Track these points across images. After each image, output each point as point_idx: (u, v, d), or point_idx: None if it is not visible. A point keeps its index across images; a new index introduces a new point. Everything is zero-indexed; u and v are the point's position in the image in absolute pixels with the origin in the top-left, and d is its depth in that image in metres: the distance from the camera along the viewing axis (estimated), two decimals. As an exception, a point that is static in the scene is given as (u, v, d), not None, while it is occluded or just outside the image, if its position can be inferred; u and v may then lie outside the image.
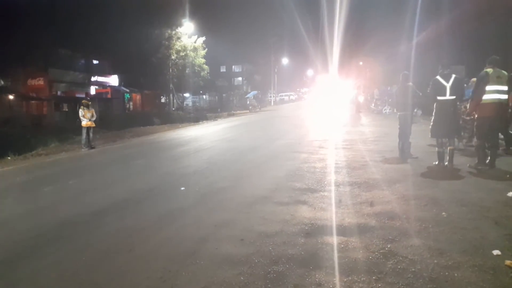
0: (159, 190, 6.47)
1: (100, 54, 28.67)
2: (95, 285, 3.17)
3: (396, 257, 3.32)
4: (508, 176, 6.25)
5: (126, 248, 3.89)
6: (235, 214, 4.71)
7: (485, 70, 6.61)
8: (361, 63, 61.33)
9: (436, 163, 7.03)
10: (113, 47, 24.44)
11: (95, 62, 31.73)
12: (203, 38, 27.73)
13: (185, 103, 40.59)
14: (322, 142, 11.23)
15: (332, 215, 4.51)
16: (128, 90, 35.36)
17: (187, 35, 27.20)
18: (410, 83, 8.03)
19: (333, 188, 5.80)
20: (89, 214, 5.16)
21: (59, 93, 29.68)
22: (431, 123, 7.16)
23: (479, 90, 6.57)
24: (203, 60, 28.43)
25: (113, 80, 33.34)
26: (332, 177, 6.50)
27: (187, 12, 26.04)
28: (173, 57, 26.52)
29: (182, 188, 6.40)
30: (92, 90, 32.47)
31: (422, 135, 8.17)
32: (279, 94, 59.13)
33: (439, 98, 6.90)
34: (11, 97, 25.60)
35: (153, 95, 36.65)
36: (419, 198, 5.04)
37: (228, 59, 53.47)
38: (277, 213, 4.66)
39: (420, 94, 7.97)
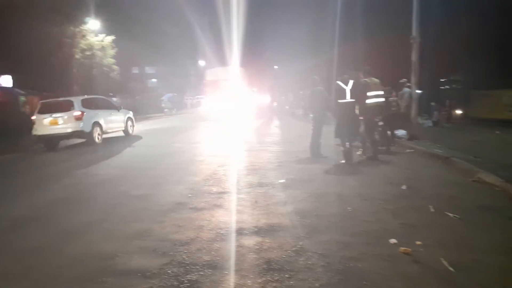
0: (62, 203, 5.84)
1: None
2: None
3: (307, 254, 3.48)
4: (402, 171, 7.04)
5: (22, 273, 3.42)
6: (148, 224, 4.48)
7: (364, 79, 7.88)
8: (276, 67, 63.79)
9: (343, 161, 7.64)
10: (4, 45, 21.58)
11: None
12: (112, 37, 26.02)
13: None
14: (238, 145, 11.36)
15: (248, 217, 4.57)
16: (23, 93, 31.55)
17: (94, 33, 25.28)
18: (320, 87, 8.59)
19: (249, 190, 5.89)
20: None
21: None
22: (335, 125, 7.91)
23: (364, 96, 7.73)
24: (113, 60, 26.66)
25: (5, 81, 29.47)
26: (248, 179, 6.59)
27: (92, 8, 24.24)
28: (77, 56, 24.40)
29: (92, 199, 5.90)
30: (-21, 92, 28.31)
31: (332, 136, 8.80)
32: (196, 96, 58.42)
33: (339, 101, 7.66)
34: None
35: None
36: (327, 195, 5.38)
37: (141, 60, 51.12)
38: (192, 220, 4.55)
39: (328, 97, 8.57)
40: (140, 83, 52.76)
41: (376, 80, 8.05)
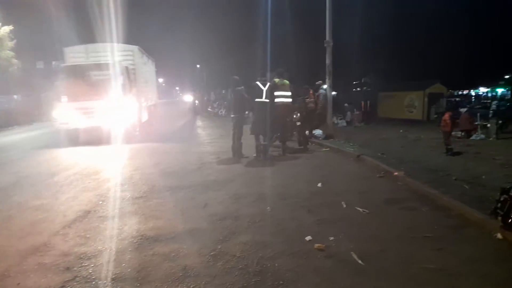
0: None
1: None
2: None
3: (226, 257, 3.40)
4: (318, 169, 7.37)
5: None
6: (49, 237, 3.99)
7: (273, 79, 8.48)
8: (198, 65, 62.80)
9: (257, 156, 8.20)
10: None
11: None
12: (10, 27, 23.10)
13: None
14: (158, 146, 10.89)
15: (164, 223, 4.33)
16: None
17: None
18: (240, 88, 8.59)
19: (166, 194, 5.62)
20: None
21: None
22: (252, 122, 8.23)
23: (272, 95, 8.26)
24: (11, 53, 23.73)
25: None
26: (166, 182, 6.30)
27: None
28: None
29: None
30: None
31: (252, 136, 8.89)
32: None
33: (257, 100, 8.15)
34: None
35: None
36: (248, 196, 5.37)
37: (47, 54, 46.45)
38: (102, 229, 4.18)
39: (248, 98, 8.58)
40: (46, 79, 47.95)
41: (286, 81, 8.61)
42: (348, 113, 18.93)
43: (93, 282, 3.00)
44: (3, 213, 4.92)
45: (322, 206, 4.91)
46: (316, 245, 3.62)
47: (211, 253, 3.49)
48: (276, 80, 8.50)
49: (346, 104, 21.16)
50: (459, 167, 7.27)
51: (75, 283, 2.99)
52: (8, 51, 23.50)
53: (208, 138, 12.36)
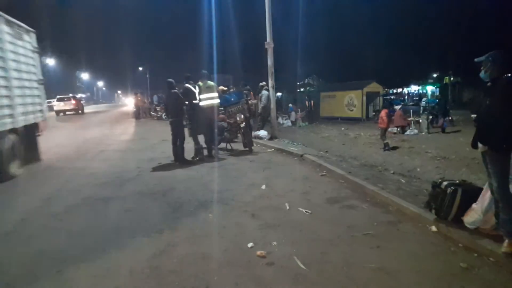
0: None
1: None
2: None
3: (161, 273, 3.14)
4: (262, 170, 7.28)
5: None
6: None
7: (197, 83, 8.46)
8: (140, 68, 60.73)
9: (197, 158, 8.31)
10: None
11: None
12: None
13: None
14: (95, 154, 10.18)
15: (93, 238, 3.94)
16: None
17: None
18: (175, 90, 8.26)
19: (87, 208, 5.17)
20: None
21: None
22: (189, 125, 8.52)
23: (195, 97, 8.31)
24: None
25: None
26: (95, 193, 5.82)
27: None
28: None
29: None
30: None
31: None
32: (47, 101, 51.21)
33: (194, 102, 8.26)
34: None
35: None
36: (188, 204, 5.11)
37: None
38: (21, 253, 3.69)
39: (186, 101, 8.29)
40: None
41: (211, 83, 8.58)
42: (293, 113, 19.26)
43: None
44: None
45: (266, 209, 4.80)
46: (258, 252, 3.48)
47: (145, 270, 3.21)
48: (200, 83, 8.45)
49: (290, 104, 21.53)
50: (396, 161, 7.60)
51: None
52: None
53: (150, 143, 11.81)
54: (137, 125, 19.81)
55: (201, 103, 8.31)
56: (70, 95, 33.41)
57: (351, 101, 20.67)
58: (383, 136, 9.53)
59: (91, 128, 18.64)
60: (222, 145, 9.80)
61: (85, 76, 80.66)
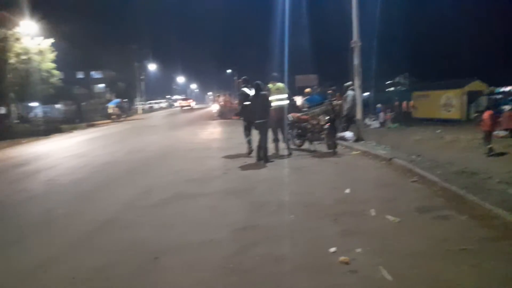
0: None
1: None
2: None
3: (240, 272, 3.23)
4: (346, 174, 7.05)
5: None
6: (70, 248, 4.01)
7: (267, 86, 8.88)
8: (229, 71, 63.58)
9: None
10: None
11: None
12: (51, 40, 24.35)
13: (33, 113, 35.13)
14: (187, 151, 10.94)
15: (177, 233, 4.23)
16: None
17: (30, 36, 23.53)
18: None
19: (184, 201, 5.54)
20: None
21: None
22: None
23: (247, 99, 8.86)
24: (53, 65, 24.95)
25: None
26: (186, 189, 6.24)
27: (28, 10, 22.57)
28: (11, 61, 22.53)
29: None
30: None
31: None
32: (148, 102, 56.72)
33: (245, 103, 8.95)
34: None
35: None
36: (270, 203, 5.18)
37: (86, 65, 48.71)
38: (121, 239, 4.15)
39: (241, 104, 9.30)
40: (85, 88, 50.21)
41: (281, 85, 9.00)
42: (381, 113, 18.28)
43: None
44: (34, 220, 5.04)
45: (349, 214, 4.63)
46: (341, 258, 3.37)
47: (229, 266, 3.34)
48: (270, 85, 8.92)
49: (378, 105, 20.47)
50: (502, 169, 6.71)
51: None
52: (49, 63, 24.71)
53: (235, 143, 12.27)
54: (224, 124, 20.73)
55: (272, 105, 8.56)
56: (184, 96, 56.93)
57: (448, 101, 18.86)
58: (487, 140, 8.49)
59: (182, 128, 20.09)
60: (306, 146, 9.74)
61: (180, 79, 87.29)
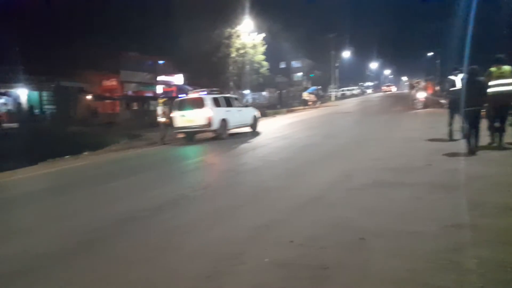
0: (214, 187, 6.65)
1: (165, 55, 30.46)
2: (144, 280, 3.30)
3: (458, 269, 3.03)
4: None
5: (177, 245, 4.01)
6: (285, 215, 4.66)
7: (488, 70, 7.86)
8: (430, 54, 57.44)
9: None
10: (176, 48, 25.76)
11: (160, 62, 33.66)
12: (263, 35, 27.90)
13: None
14: (382, 140, 10.68)
15: (383, 220, 4.25)
16: (191, 88, 36.87)
17: (247, 33, 27.59)
18: (479, 78, 7.51)
19: (375, 189, 5.48)
20: (147, 210, 5.40)
21: (129, 92, 31.95)
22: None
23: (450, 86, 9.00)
24: (263, 57, 28.62)
25: (177, 79, 35.06)
26: (381, 176, 6.14)
27: (246, 10, 26.44)
28: (233, 55, 27.07)
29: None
30: (159, 89, 34.47)
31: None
32: (341, 89, 57.59)
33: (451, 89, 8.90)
34: (89, 97, 28.10)
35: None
36: (485, 204, 4.55)
37: (287, 55, 53.29)
38: (327, 216, 4.52)
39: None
40: (286, 77, 55.15)
41: (507, 68, 7.79)
42: None
43: (322, 262, 3.31)
44: (252, 190, 6.10)
45: None
46: None
47: (437, 262, 3.19)
48: (493, 69, 7.82)
49: None
50: None
51: (305, 260, 3.39)
52: (260, 55, 28.41)
53: (438, 132, 11.13)
54: (423, 114, 19.01)
55: (491, 90, 7.66)
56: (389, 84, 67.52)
57: None
58: None
59: (376, 115, 19.51)
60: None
61: (373, 65, 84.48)
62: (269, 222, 4.45)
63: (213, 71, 27.38)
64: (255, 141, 12.66)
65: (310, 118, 21.54)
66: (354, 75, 70.93)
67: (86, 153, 13.06)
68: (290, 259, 3.41)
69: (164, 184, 7.25)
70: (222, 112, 13.65)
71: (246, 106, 17.34)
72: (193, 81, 33.58)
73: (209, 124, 13.09)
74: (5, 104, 25.80)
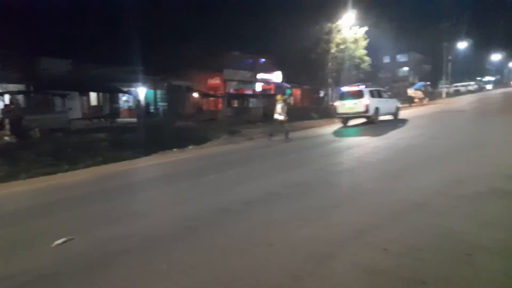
0: (307, 186, 6.55)
1: (265, 53, 31.34)
2: (234, 271, 3.40)
3: None
4: None
5: (267, 241, 4.03)
6: (381, 220, 4.37)
7: None
8: None
9: None
10: (276, 45, 26.25)
11: (261, 60, 34.73)
12: (365, 29, 26.57)
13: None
14: (505, 143, 9.28)
15: (508, 240, 3.67)
16: (289, 86, 37.22)
17: (348, 27, 26.61)
18: None
19: (493, 197, 4.72)
20: (241, 203, 5.57)
21: (231, 90, 33.71)
22: None
23: None
24: (364, 52, 27.26)
25: (276, 76, 35.73)
26: (501, 184, 5.29)
27: (348, 2, 25.48)
28: (332, 51, 26.40)
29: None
30: (258, 86, 35.62)
31: None
32: (454, 85, 51.82)
33: None
34: (195, 95, 30.46)
35: (311, 90, 37.52)
36: None
37: (392, 49, 49.93)
38: (431, 225, 4.09)
39: None
40: (390, 72, 51.76)
41: None
42: None
43: (417, 275, 3.02)
44: (347, 191, 5.86)
45: None
46: None
47: None
48: None
49: None
50: None
51: (399, 270, 3.13)
52: (362, 50, 27.17)
53: None
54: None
55: None
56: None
57: None
58: None
59: (496, 115, 17.07)
60: None
61: (495, 57, 73.83)
62: (365, 225, 4.21)
63: (312, 68, 27.13)
64: (349, 141, 12.15)
65: (416, 117, 19.84)
66: (471, 69, 63.11)
67: (190, 147, 14.15)
68: (382, 268, 3.18)
69: (258, 179, 7.39)
70: (376, 102, 16.89)
71: (391, 97, 20.18)
72: (290, 78, 33.89)
73: (366, 111, 16.32)
74: (127, 101, 29.61)
